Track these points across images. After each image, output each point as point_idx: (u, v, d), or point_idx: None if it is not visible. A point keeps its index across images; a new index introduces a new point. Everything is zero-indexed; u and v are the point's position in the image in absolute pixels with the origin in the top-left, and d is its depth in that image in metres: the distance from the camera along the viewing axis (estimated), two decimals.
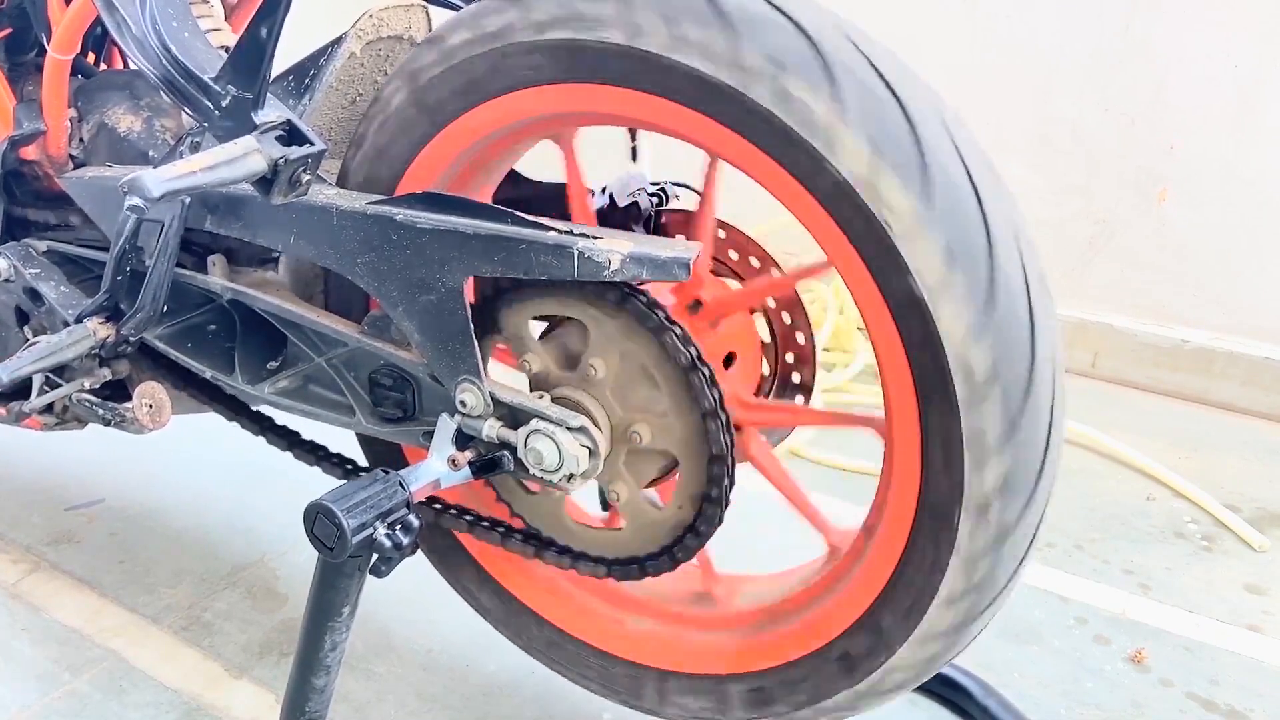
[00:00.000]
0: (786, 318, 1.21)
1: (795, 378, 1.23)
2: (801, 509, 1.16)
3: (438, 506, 1.22)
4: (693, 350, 0.99)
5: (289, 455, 1.31)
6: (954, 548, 0.92)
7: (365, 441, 1.33)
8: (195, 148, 1.17)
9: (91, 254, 1.35)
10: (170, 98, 1.08)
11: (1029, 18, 2.65)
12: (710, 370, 1.00)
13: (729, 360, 1.16)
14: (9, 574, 1.70)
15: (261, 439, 1.32)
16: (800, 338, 1.22)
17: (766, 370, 1.23)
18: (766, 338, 1.22)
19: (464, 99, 1.03)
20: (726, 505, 1.04)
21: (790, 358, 1.23)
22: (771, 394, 1.23)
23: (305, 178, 1.02)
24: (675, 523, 1.08)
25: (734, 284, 1.20)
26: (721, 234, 1.21)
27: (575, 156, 1.14)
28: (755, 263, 1.21)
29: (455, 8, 1.28)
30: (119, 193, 0.96)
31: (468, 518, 1.20)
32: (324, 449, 1.30)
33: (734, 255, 1.21)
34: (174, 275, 1.19)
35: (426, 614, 1.61)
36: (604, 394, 1.05)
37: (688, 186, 1.26)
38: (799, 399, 1.24)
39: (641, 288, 1.00)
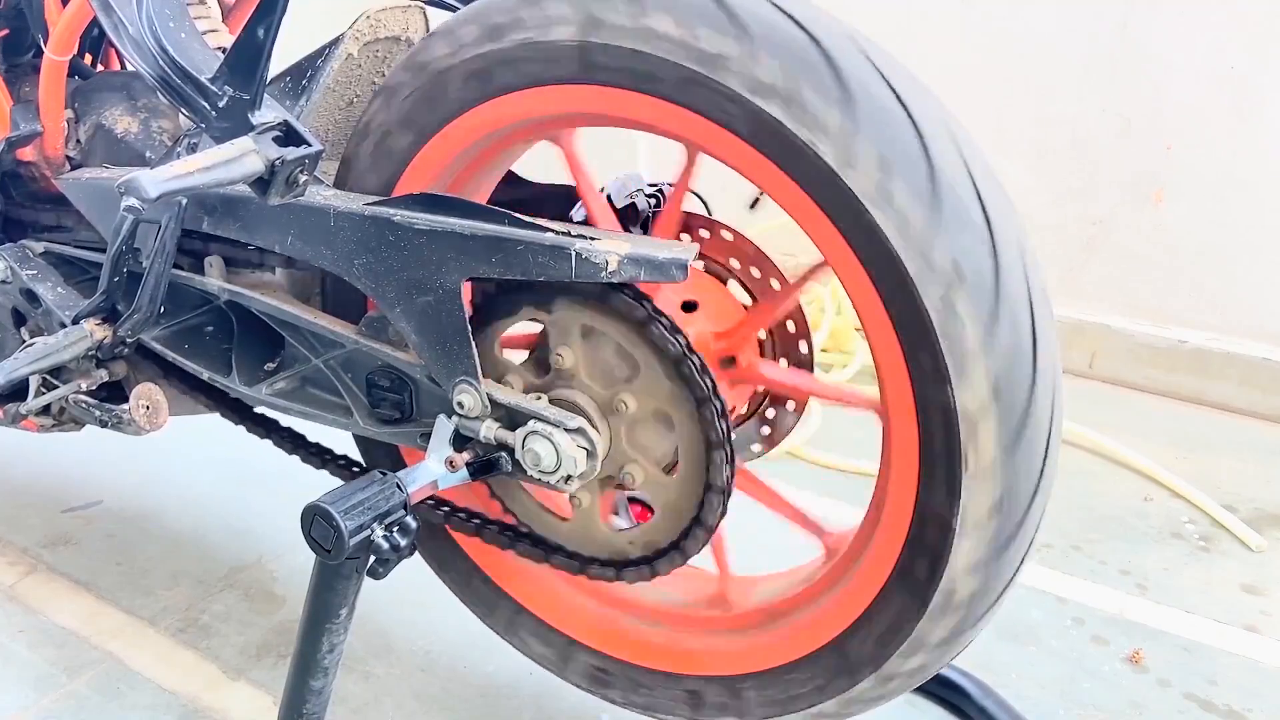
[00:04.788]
0: (790, 326, 1.21)
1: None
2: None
3: None
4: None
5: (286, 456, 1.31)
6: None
7: (362, 443, 1.33)
8: (192, 149, 1.17)
9: (88, 255, 1.34)
10: (167, 99, 1.08)
11: (1025, 18, 2.65)
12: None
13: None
14: (6, 576, 1.69)
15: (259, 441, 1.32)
16: (802, 347, 1.21)
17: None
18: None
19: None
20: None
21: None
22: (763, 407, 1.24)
23: (302, 179, 1.02)
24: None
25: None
26: (727, 235, 1.20)
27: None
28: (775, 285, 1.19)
29: (453, 8, 1.27)
30: (116, 194, 0.96)
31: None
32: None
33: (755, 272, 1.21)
34: (171, 276, 1.19)
35: (424, 615, 1.60)
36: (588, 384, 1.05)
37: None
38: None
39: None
